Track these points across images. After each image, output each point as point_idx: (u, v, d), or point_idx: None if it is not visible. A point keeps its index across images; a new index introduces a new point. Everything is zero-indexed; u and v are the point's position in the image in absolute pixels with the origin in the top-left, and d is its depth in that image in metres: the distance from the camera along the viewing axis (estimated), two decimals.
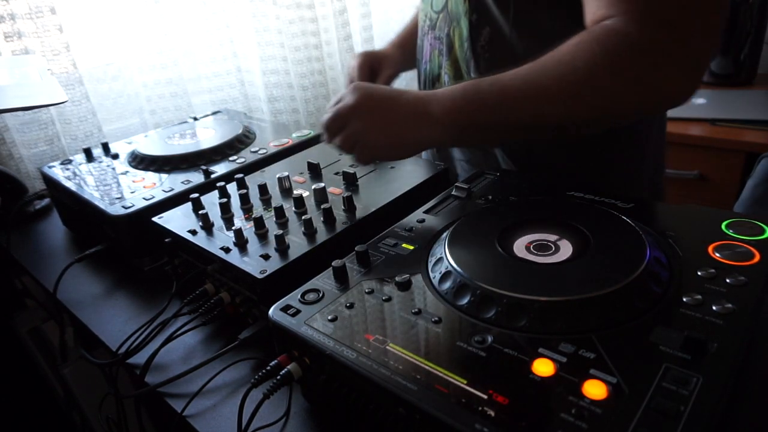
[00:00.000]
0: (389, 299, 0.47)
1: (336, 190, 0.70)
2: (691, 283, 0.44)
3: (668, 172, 1.44)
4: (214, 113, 1.08)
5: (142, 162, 0.86)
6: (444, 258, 0.49)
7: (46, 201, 1.00)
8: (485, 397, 0.36)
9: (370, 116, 0.62)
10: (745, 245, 0.48)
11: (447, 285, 0.47)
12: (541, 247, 0.50)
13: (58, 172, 0.86)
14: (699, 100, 1.56)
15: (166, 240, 0.66)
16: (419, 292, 0.48)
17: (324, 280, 0.51)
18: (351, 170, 0.72)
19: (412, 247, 0.55)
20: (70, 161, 0.90)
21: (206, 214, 0.65)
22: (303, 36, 1.36)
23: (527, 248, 0.50)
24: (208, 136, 0.93)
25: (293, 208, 0.66)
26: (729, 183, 1.40)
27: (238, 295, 0.60)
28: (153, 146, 0.90)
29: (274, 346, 0.49)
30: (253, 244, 0.60)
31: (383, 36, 1.57)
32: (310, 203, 0.68)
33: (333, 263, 0.51)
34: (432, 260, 0.51)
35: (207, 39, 1.28)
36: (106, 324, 0.67)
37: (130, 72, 1.21)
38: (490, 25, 0.70)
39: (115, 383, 0.61)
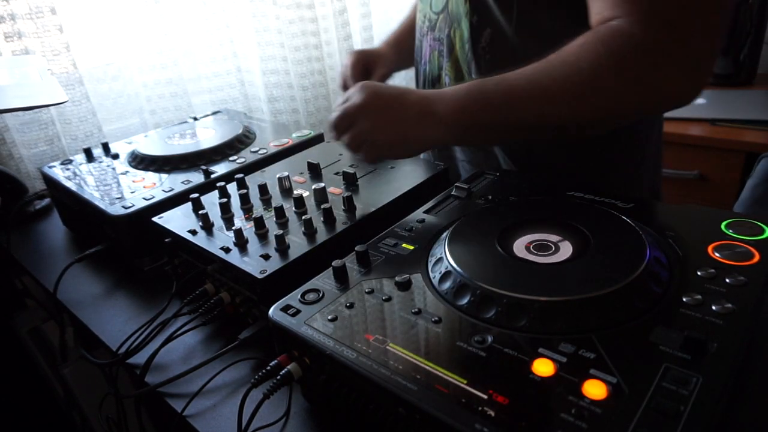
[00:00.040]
0: (389, 299, 0.47)
1: (336, 190, 0.70)
2: (691, 283, 0.44)
3: (668, 172, 1.45)
4: (214, 113, 1.08)
5: (142, 162, 0.86)
6: (444, 258, 0.49)
7: (46, 201, 1.00)
8: (485, 397, 0.36)
9: (377, 115, 0.63)
10: (744, 245, 0.48)
11: (447, 285, 0.47)
12: (541, 247, 0.50)
13: (58, 172, 0.86)
14: (699, 100, 1.54)
15: (166, 240, 0.66)
16: (419, 292, 0.48)
17: (324, 280, 0.51)
18: (351, 170, 0.72)
19: (412, 247, 0.55)
20: (70, 161, 0.90)
21: (206, 214, 0.65)
22: (303, 36, 1.36)
23: (527, 248, 0.50)
24: (208, 136, 0.93)
25: (293, 208, 0.66)
26: (729, 183, 1.40)
27: (238, 295, 0.60)
28: (153, 146, 0.90)
29: (274, 346, 0.49)
30: (253, 244, 0.60)
31: (383, 36, 1.56)
32: (310, 203, 0.68)
33: (333, 263, 0.51)
34: (432, 260, 0.51)
35: (207, 39, 1.28)
36: (106, 324, 0.67)
37: (130, 72, 1.21)
38: (491, 26, 0.70)
39: (115, 383, 0.61)
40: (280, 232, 0.59)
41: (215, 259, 0.59)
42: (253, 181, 0.75)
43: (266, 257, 0.57)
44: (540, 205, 0.59)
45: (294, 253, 0.57)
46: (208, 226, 0.65)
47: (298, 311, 0.47)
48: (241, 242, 0.60)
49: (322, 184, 0.68)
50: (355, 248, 0.53)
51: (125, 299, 0.71)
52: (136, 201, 0.73)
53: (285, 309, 0.48)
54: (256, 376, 0.47)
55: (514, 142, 0.76)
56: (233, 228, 0.61)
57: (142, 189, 0.77)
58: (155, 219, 0.69)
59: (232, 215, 0.67)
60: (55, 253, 0.85)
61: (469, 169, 0.85)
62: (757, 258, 0.46)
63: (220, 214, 0.67)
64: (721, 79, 1.62)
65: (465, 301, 0.45)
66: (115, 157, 0.90)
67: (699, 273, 0.45)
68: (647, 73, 0.52)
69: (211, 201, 0.71)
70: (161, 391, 0.55)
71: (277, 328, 0.47)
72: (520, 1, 0.66)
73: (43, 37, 1.02)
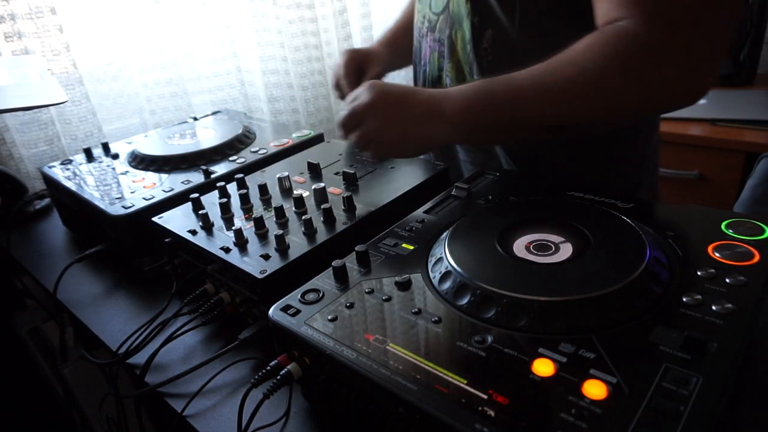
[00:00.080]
0: (389, 299, 0.47)
1: (336, 190, 0.70)
2: (691, 283, 0.44)
3: (668, 172, 1.45)
4: (214, 113, 1.08)
5: (142, 162, 0.86)
6: (444, 258, 0.49)
7: (46, 201, 1.00)
8: (485, 397, 0.36)
9: (385, 114, 0.63)
10: (744, 245, 0.48)
11: (447, 285, 0.47)
12: (541, 247, 0.50)
13: (58, 172, 0.86)
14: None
15: (166, 240, 0.66)
16: (419, 292, 0.48)
17: (324, 280, 0.51)
18: (351, 170, 0.72)
19: (412, 247, 0.55)
20: (70, 161, 0.90)
21: (206, 214, 0.65)
22: (303, 36, 1.36)
23: (527, 248, 0.50)
24: (208, 136, 0.93)
25: (293, 208, 0.66)
26: (729, 183, 1.40)
27: (238, 295, 0.60)
28: (153, 146, 0.90)
29: (274, 346, 0.49)
30: (253, 244, 0.60)
31: None
32: (310, 203, 0.68)
33: (333, 263, 0.51)
34: (432, 260, 0.51)
35: (207, 39, 1.28)
36: (106, 324, 0.67)
37: (130, 72, 1.21)
38: (493, 27, 0.70)
39: (115, 383, 0.61)
40: (280, 232, 0.59)
41: (215, 259, 0.59)
42: (253, 181, 0.75)
43: (266, 257, 0.57)
44: (540, 205, 0.59)
45: (294, 253, 0.57)
46: (208, 226, 0.65)
47: (298, 311, 0.47)
48: (241, 242, 0.60)
49: (322, 184, 0.68)
50: (355, 248, 0.53)
51: (125, 299, 0.71)
52: (136, 201, 0.73)
53: (285, 309, 0.48)
54: (256, 376, 0.47)
55: (515, 142, 0.76)
56: (233, 228, 0.61)
57: (142, 189, 0.77)
58: (155, 219, 0.69)
59: (232, 215, 0.67)
60: (55, 253, 0.85)
61: (471, 169, 0.85)
62: (757, 258, 0.46)
63: (220, 214, 0.67)
64: (721, 79, 1.62)
65: (465, 301, 0.45)
66: (115, 157, 0.90)
67: (699, 273, 0.45)
68: (650, 73, 0.52)
69: (211, 201, 0.71)
70: (161, 391, 0.55)
71: (277, 328, 0.47)
72: (522, 1, 0.66)
73: (43, 37, 1.02)
